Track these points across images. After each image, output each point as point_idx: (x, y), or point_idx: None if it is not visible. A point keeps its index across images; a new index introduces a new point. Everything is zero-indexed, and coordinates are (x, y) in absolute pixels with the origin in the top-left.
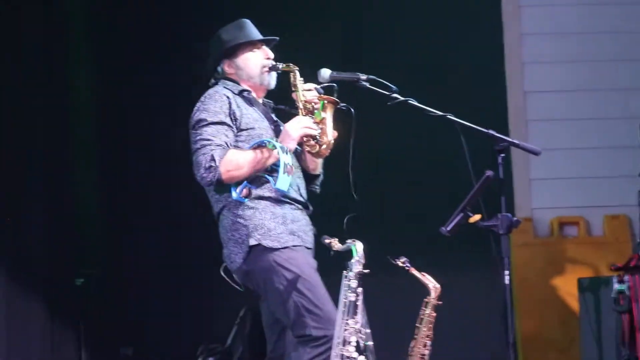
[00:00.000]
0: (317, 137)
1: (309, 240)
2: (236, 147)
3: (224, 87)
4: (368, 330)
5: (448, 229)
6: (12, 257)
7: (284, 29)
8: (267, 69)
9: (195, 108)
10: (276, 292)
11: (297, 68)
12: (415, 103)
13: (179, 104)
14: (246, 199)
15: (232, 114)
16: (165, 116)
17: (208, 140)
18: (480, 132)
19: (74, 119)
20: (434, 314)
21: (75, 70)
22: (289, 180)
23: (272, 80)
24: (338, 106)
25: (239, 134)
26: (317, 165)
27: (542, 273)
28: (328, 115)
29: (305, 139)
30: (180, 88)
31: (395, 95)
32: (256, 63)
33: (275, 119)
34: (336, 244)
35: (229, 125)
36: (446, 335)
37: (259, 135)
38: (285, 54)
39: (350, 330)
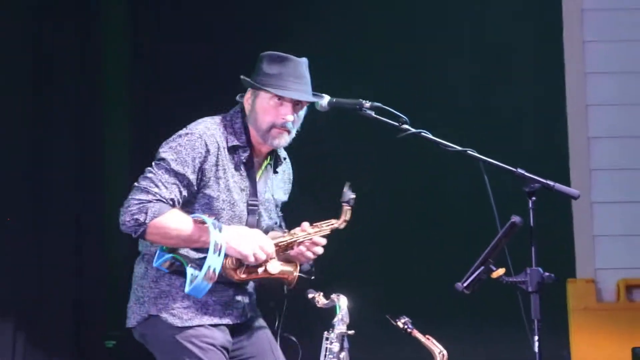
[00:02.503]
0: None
1: (235, 314)
2: (184, 208)
3: (221, 129)
4: None
5: (465, 284)
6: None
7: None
8: (276, 129)
9: (171, 138)
10: None
11: (344, 223)
12: (429, 136)
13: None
14: (167, 271)
15: (200, 172)
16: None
17: (156, 187)
18: (507, 170)
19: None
20: None
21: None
22: (206, 288)
23: (278, 140)
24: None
25: (199, 196)
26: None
27: (603, 343)
28: (277, 272)
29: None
30: None
31: (405, 126)
32: (268, 117)
33: (267, 191)
34: (320, 299)
35: (189, 183)
36: None
37: (220, 209)
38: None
39: None
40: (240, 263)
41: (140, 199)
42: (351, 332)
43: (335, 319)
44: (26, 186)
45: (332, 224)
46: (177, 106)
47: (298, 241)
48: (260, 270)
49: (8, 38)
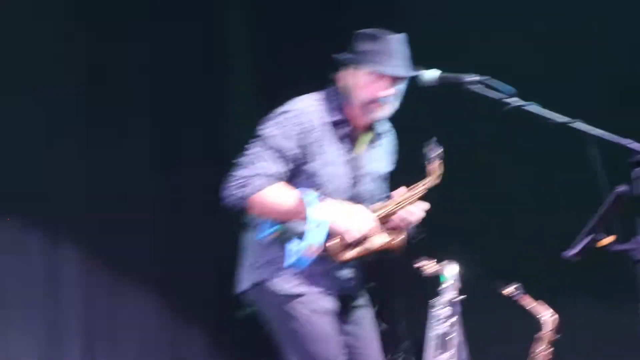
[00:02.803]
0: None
1: (340, 286)
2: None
3: (320, 105)
4: None
5: (573, 253)
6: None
7: None
8: (377, 103)
9: (277, 112)
10: (279, 332)
11: (437, 179)
12: (537, 109)
13: None
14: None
15: (304, 147)
16: None
17: (257, 162)
18: (617, 143)
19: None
20: (550, 349)
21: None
22: (307, 262)
23: (377, 114)
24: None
25: (301, 171)
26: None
27: None
28: (376, 245)
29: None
30: None
31: (512, 99)
32: (370, 94)
33: (368, 164)
34: (428, 268)
35: (291, 158)
36: None
37: (320, 183)
38: None
39: None
40: (343, 241)
41: (242, 175)
42: (461, 297)
43: (443, 286)
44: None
45: (427, 182)
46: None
47: (399, 208)
48: (363, 245)
49: None
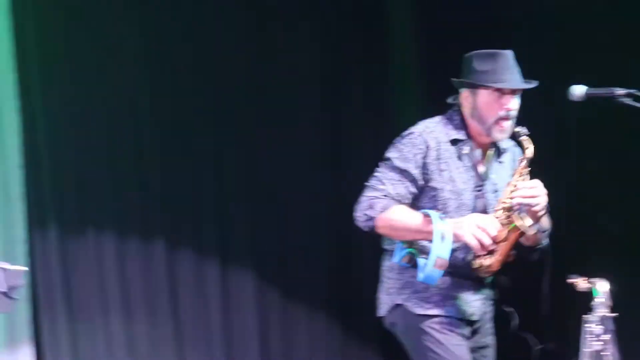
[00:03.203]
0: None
1: (471, 311)
2: (412, 204)
3: (441, 126)
4: None
5: None
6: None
7: None
8: (502, 121)
9: (395, 140)
10: (415, 354)
11: (532, 150)
12: None
13: None
14: (408, 265)
15: (423, 167)
16: None
17: (382, 184)
18: None
19: None
20: None
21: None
22: (437, 275)
23: (502, 134)
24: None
25: (425, 190)
26: (535, 242)
27: None
28: (511, 238)
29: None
30: None
31: None
32: (493, 111)
33: (494, 180)
34: (580, 284)
35: (413, 178)
36: None
37: (446, 199)
38: None
39: None
40: (476, 251)
41: (369, 196)
42: (614, 314)
43: (595, 301)
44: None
45: (523, 158)
46: None
47: (511, 195)
48: (500, 247)
49: None
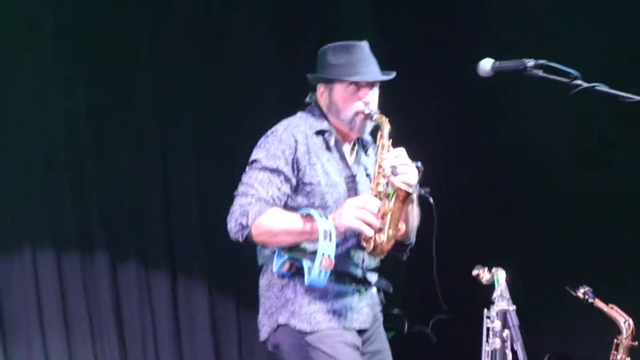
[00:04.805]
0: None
1: (360, 319)
2: (287, 205)
3: (303, 120)
4: None
5: None
6: None
7: None
8: (362, 115)
9: (259, 142)
10: None
11: (388, 124)
12: (606, 89)
13: None
14: (288, 273)
15: (294, 162)
16: None
17: (252, 188)
18: None
19: None
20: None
21: None
22: (324, 276)
23: (364, 128)
24: (412, 196)
25: (300, 187)
26: (406, 236)
27: None
28: (396, 207)
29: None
30: None
31: (577, 82)
32: (350, 104)
33: (365, 169)
34: (485, 275)
35: (285, 177)
36: None
37: (323, 193)
38: None
39: None
40: (363, 234)
41: (240, 204)
42: (512, 307)
43: (494, 295)
44: None
45: (382, 135)
46: None
47: (380, 170)
48: (386, 220)
49: None
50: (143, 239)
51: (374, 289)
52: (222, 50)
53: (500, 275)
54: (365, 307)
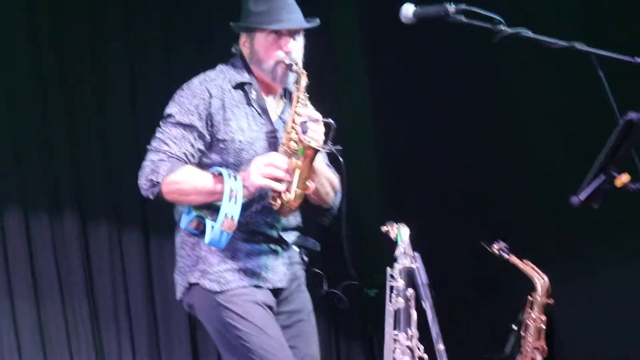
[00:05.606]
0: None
1: (275, 278)
2: (202, 162)
3: (222, 73)
4: (441, 347)
5: (582, 197)
6: None
7: None
8: (283, 65)
9: (173, 95)
10: (218, 335)
11: (306, 77)
12: (530, 34)
13: None
14: (196, 231)
15: (208, 118)
16: None
17: (165, 144)
18: (625, 61)
19: None
20: (544, 318)
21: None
22: (226, 237)
23: (286, 78)
24: (322, 151)
25: (214, 143)
26: (324, 199)
27: None
28: (304, 165)
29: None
30: None
31: (500, 27)
32: (271, 54)
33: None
34: (394, 231)
35: (199, 132)
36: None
37: (238, 150)
38: None
39: (402, 349)
40: (273, 191)
41: (152, 160)
42: (415, 265)
43: (397, 252)
44: None
45: (298, 87)
46: None
47: (293, 125)
48: (295, 176)
49: None
50: (114, 197)
51: (295, 248)
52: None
53: (403, 232)
54: (282, 265)
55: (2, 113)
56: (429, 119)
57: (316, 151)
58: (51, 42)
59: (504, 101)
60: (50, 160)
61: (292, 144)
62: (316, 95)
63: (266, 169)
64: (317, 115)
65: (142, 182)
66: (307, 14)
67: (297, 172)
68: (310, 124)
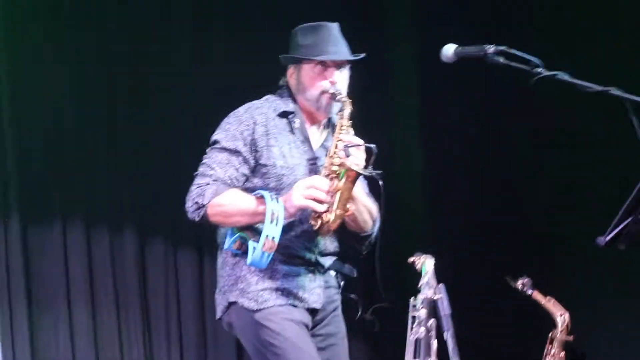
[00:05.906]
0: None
1: (311, 299)
2: (245, 186)
3: (268, 102)
4: None
5: (608, 238)
6: None
7: None
8: (328, 95)
9: (221, 123)
10: (256, 352)
11: (350, 106)
12: (567, 78)
13: None
14: (239, 251)
15: (252, 143)
16: None
17: (211, 169)
18: None
19: None
20: (563, 354)
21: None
22: (267, 258)
23: (330, 108)
24: (364, 175)
25: (257, 168)
26: (361, 226)
27: None
28: (345, 187)
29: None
30: None
31: (538, 70)
32: (316, 84)
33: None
34: (419, 262)
35: (244, 157)
36: None
37: (279, 175)
38: None
39: None
40: (314, 212)
41: (198, 184)
42: (437, 296)
43: (421, 283)
44: None
45: (342, 114)
46: None
47: (335, 150)
48: (335, 199)
49: None
50: (173, 217)
51: (332, 272)
52: None
53: (427, 263)
54: (318, 287)
55: (72, 129)
56: (471, 151)
57: (357, 174)
58: (121, 58)
59: (544, 136)
60: (114, 177)
61: (334, 167)
62: (367, 125)
63: (308, 191)
64: (359, 141)
65: (189, 205)
66: (368, 50)
67: (338, 194)
68: (352, 150)
